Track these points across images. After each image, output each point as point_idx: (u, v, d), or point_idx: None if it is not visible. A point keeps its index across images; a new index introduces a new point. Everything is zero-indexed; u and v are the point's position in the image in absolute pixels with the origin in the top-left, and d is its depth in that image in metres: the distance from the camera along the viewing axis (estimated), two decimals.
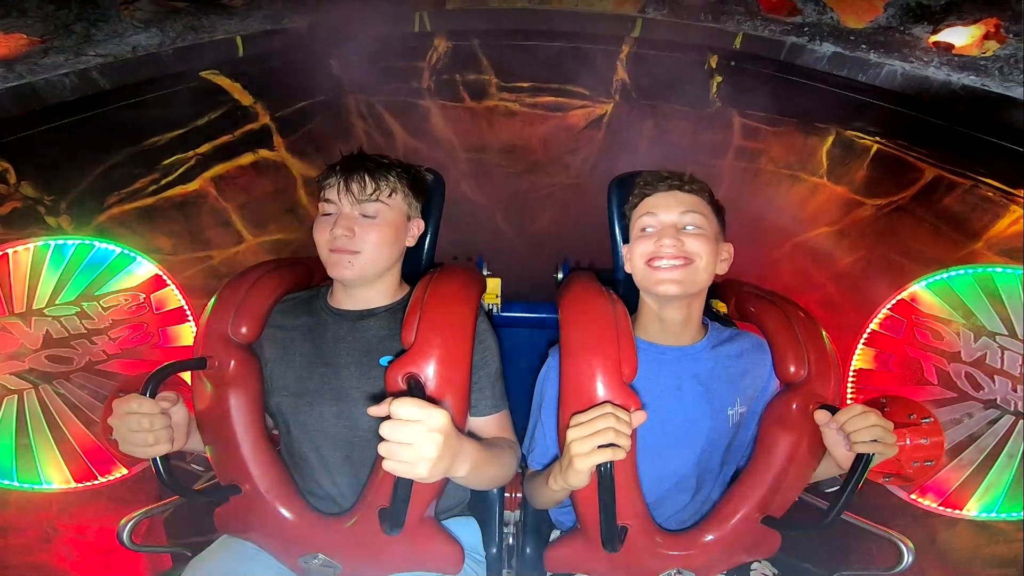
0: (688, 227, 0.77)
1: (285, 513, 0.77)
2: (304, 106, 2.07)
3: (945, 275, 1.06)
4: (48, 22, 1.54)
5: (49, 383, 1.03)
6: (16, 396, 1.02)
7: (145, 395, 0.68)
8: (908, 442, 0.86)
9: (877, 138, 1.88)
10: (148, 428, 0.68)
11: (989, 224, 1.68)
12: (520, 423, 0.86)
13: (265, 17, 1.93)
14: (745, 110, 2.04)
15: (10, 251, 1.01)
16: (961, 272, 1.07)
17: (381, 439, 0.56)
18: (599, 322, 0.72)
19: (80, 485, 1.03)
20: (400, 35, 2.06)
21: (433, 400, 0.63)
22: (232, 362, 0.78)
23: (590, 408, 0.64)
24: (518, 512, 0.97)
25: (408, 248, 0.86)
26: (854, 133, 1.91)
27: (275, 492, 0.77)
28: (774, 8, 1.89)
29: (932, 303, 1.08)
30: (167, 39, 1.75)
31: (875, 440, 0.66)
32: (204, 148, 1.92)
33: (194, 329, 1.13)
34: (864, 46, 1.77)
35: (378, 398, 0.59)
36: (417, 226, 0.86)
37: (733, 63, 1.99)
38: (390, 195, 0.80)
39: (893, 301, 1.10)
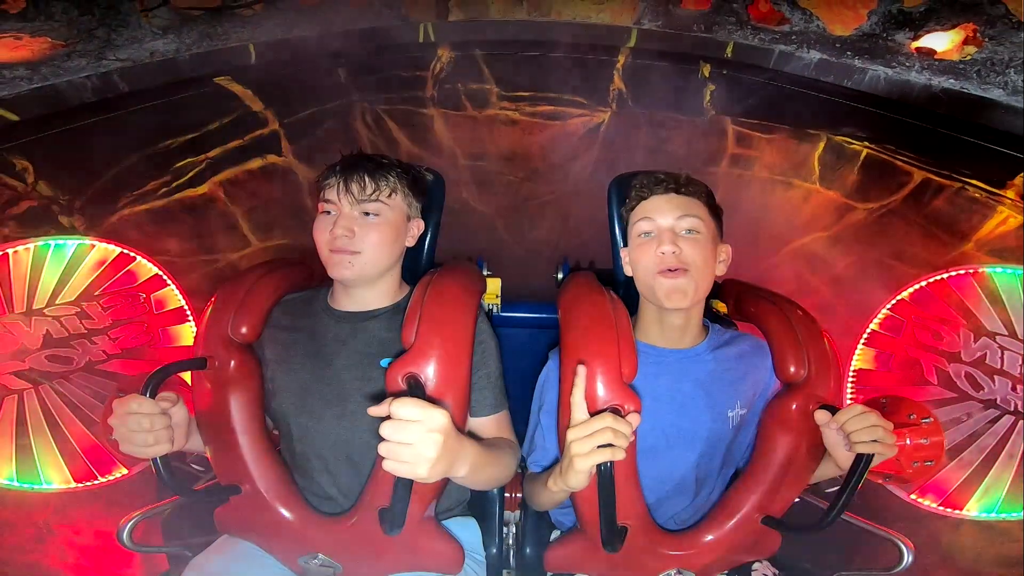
0: (685, 231, 0.75)
1: (285, 513, 0.75)
2: (312, 113, 2.07)
3: (946, 275, 1.04)
4: (72, 27, 1.55)
5: (49, 383, 1.00)
6: (16, 396, 1.00)
7: (145, 395, 0.66)
8: (908, 442, 0.83)
9: (866, 143, 1.88)
10: (148, 428, 0.66)
11: (978, 225, 1.67)
12: (520, 424, 0.84)
13: (276, 26, 1.94)
14: (738, 117, 2.03)
15: (10, 251, 0.99)
16: (961, 272, 1.04)
17: (381, 439, 0.55)
18: (599, 322, 0.70)
19: (80, 485, 1.00)
20: (405, 45, 2.06)
21: (433, 400, 0.62)
22: (232, 362, 0.76)
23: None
24: (518, 512, 0.95)
25: (408, 248, 0.84)
26: (843, 138, 1.91)
27: (275, 492, 0.75)
28: (763, 18, 1.89)
29: (932, 303, 1.06)
30: (183, 45, 1.77)
31: (875, 440, 0.64)
32: (215, 152, 1.91)
33: (194, 329, 1.11)
34: (849, 53, 1.77)
35: (378, 398, 0.58)
36: (417, 226, 0.84)
37: (725, 71, 1.99)
38: (390, 195, 0.78)
39: (893, 301, 1.07)
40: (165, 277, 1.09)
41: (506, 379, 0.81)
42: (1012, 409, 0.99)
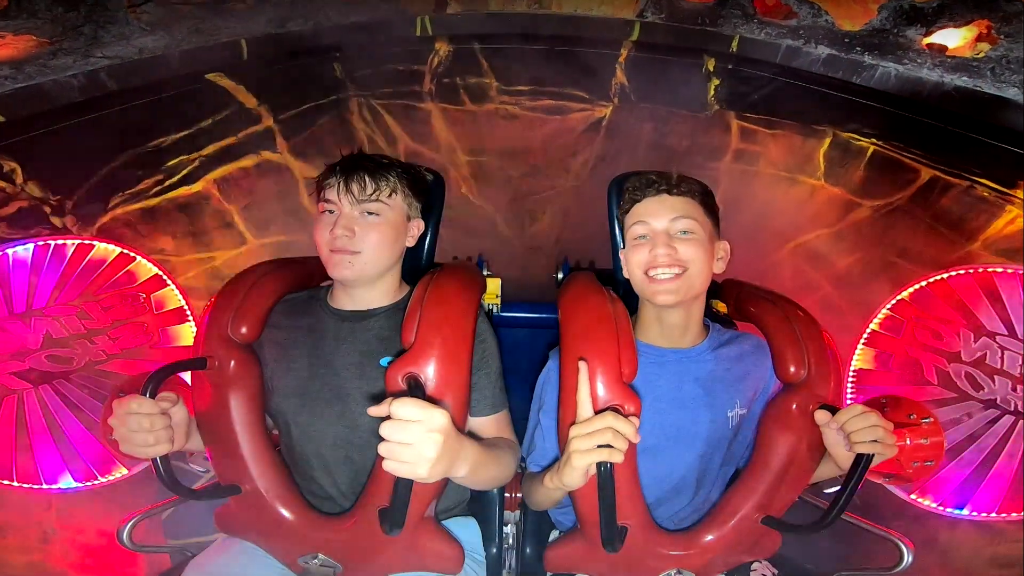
0: (680, 232, 0.76)
1: (285, 513, 0.76)
2: (307, 109, 2.07)
3: (946, 275, 1.05)
4: (57, 24, 1.54)
5: (49, 383, 1.02)
6: (16, 396, 1.01)
7: (145, 395, 0.67)
8: (908, 442, 0.85)
9: (873, 140, 1.88)
10: (148, 428, 0.67)
11: (985, 224, 1.67)
12: (520, 423, 0.86)
13: (269, 21, 1.93)
14: (742, 113, 2.04)
15: (10, 251, 1.00)
16: (962, 272, 1.05)
17: (381, 439, 0.55)
18: (599, 322, 0.71)
19: (80, 485, 1.02)
20: (402, 39, 2.06)
21: (433, 400, 0.63)
22: (232, 362, 0.77)
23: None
24: (518, 512, 0.96)
25: (408, 248, 0.86)
26: (850, 135, 1.91)
27: (275, 492, 0.76)
28: (770, 11, 1.89)
29: (932, 303, 1.07)
30: (173, 41, 1.76)
31: (875, 440, 0.65)
32: (208, 150, 1.92)
33: (194, 329, 1.13)
34: (859, 48, 1.77)
35: (378, 398, 0.59)
36: (417, 226, 0.85)
37: (730, 66, 1.99)
38: (390, 195, 0.79)
39: (893, 301, 1.09)
40: (165, 277, 1.11)
41: (506, 379, 0.83)
42: (1012, 409, 1.01)
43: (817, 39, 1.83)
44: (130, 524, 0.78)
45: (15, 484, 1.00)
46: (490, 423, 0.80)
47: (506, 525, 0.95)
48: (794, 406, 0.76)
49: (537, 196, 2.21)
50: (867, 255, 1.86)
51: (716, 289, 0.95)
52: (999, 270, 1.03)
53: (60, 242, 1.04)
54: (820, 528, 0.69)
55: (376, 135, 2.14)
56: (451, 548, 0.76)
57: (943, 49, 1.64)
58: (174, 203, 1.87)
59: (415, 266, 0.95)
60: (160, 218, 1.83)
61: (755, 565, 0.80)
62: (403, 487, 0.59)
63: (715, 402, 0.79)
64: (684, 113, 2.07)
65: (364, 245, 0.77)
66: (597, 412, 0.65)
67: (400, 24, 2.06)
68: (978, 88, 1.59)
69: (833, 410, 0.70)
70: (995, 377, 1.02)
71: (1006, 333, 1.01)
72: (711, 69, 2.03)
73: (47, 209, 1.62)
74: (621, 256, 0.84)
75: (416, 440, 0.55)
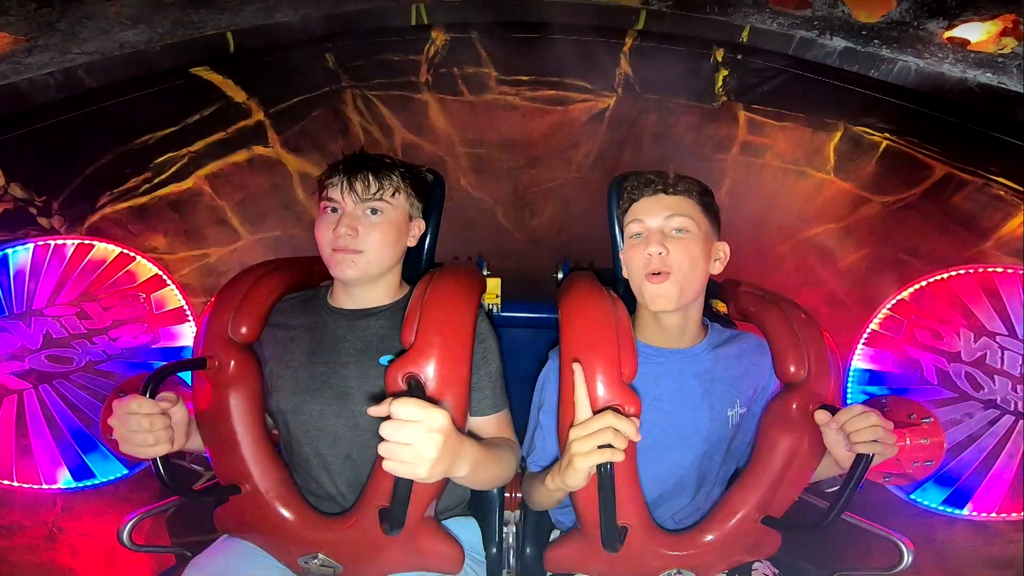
0: (674, 231, 0.78)
1: (285, 513, 0.79)
2: (299, 101, 2.07)
3: (946, 275, 1.08)
4: (31, 20, 1.54)
5: (49, 383, 1.05)
6: (16, 396, 1.04)
7: (145, 395, 0.70)
8: (908, 442, 0.88)
9: (887, 135, 1.88)
10: (148, 428, 0.69)
11: (1000, 223, 1.68)
12: (520, 423, 0.88)
13: (257, 11, 1.94)
14: (751, 104, 2.04)
15: (9, 251, 1.03)
16: (962, 272, 1.08)
17: (381, 439, 0.57)
18: (599, 322, 0.73)
19: (80, 485, 1.05)
20: (397, 28, 2.06)
21: (433, 400, 0.65)
22: (232, 362, 0.80)
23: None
24: (518, 512, 0.98)
25: (408, 248, 0.88)
26: (863, 129, 1.92)
27: (275, 492, 0.79)
28: (782, 1, 1.89)
29: (932, 303, 1.10)
30: (155, 35, 1.76)
31: (875, 440, 0.67)
32: (197, 146, 1.93)
33: (194, 329, 1.15)
34: (876, 41, 1.76)
35: (378, 398, 0.60)
36: (418, 226, 0.88)
37: (739, 57, 2.00)
38: (393, 195, 0.82)
39: (893, 301, 1.12)
40: (165, 277, 1.13)
41: (506, 379, 0.85)
42: (1012, 409, 1.04)
43: (832, 30, 1.82)
44: (130, 524, 0.80)
45: (15, 484, 1.03)
46: (490, 423, 0.82)
47: (506, 525, 0.97)
48: (794, 406, 0.78)
49: (538, 189, 2.22)
50: (876, 251, 1.87)
51: (716, 289, 0.97)
52: (999, 270, 1.06)
53: (60, 242, 1.06)
54: (820, 528, 0.71)
55: (371, 127, 2.15)
56: (451, 548, 0.79)
57: (964, 43, 1.63)
58: (165, 200, 1.88)
59: (415, 266, 0.97)
60: (151, 216, 1.85)
61: (755, 565, 0.82)
62: (403, 487, 0.60)
63: (715, 401, 0.82)
64: (690, 104, 2.08)
65: (367, 244, 0.79)
66: (597, 412, 0.67)
67: (394, 13, 2.06)
68: (1002, 85, 1.58)
69: (833, 410, 0.72)
70: (995, 377, 1.05)
71: (1006, 333, 1.04)
72: (719, 60, 2.03)
73: (33, 210, 1.64)
74: (621, 257, 0.86)
75: (416, 440, 0.57)
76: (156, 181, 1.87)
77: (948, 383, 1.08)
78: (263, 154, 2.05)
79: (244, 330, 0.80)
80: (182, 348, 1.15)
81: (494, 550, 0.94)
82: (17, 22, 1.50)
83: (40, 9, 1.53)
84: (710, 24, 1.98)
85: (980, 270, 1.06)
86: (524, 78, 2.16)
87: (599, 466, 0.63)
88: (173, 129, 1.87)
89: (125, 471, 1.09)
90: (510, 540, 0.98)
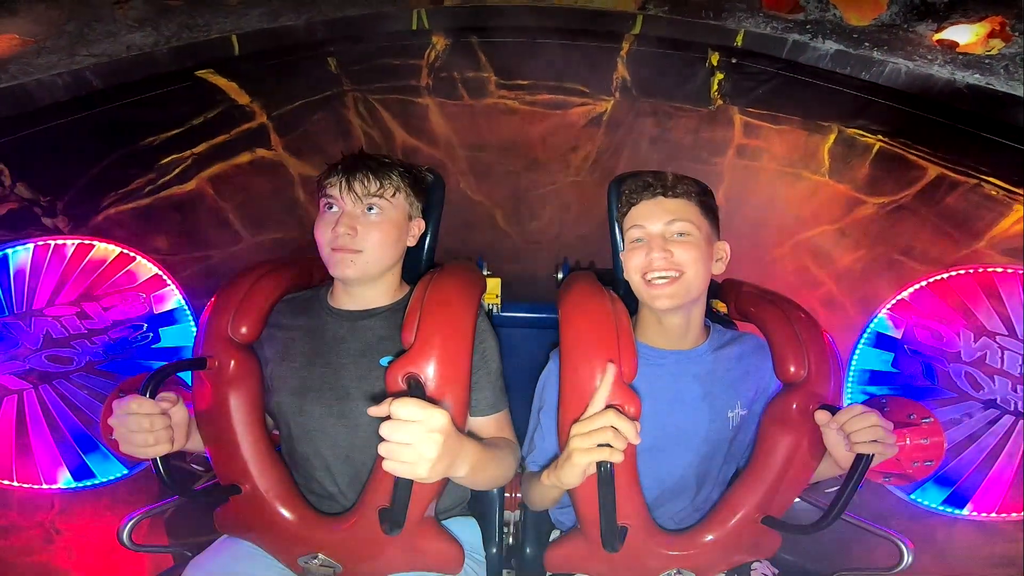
0: (676, 235, 0.77)
1: (285, 513, 0.78)
2: (301, 105, 2.08)
3: (946, 275, 1.07)
4: (39, 22, 1.55)
5: (49, 383, 1.04)
6: (16, 396, 1.03)
7: (145, 395, 0.69)
8: (908, 442, 0.87)
9: (880, 136, 1.89)
10: (148, 428, 0.68)
11: (992, 223, 1.69)
12: (520, 423, 0.87)
13: (261, 15, 1.94)
14: (746, 107, 2.05)
15: (9, 251, 1.02)
16: (962, 272, 1.07)
17: (381, 439, 0.56)
18: (599, 322, 0.73)
19: (80, 485, 1.04)
20: (398, 33, 2.07)
21: (433, 400, 0.64)
22: (232, 362, 0.79)
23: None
24: (518, 512, 0.98)
25: (408, 248, 0.87)
26: (856, 131, 1.93)
27: (275, 492, 0.78)
28: (776, 5, 1.90)
29: (932, 303, 1.09)
30: (162, 38, 1.77)
31: (875, 440, 0.67)
32: (201, 148, 1.93)
33: (194, 329, 1.14)
34: (867, 44, 1.78)
35: (378, 398, 0.60)
36: (418, 226, 0.87)
37: (734, 60, 2.00)
38: (393, 194, 0.81)
39: (893, 301, 1.11)
40: (165, 277, 1.12)
41: (506, 379, 0.84)
42: (1012, 409, 1.03)
43: (825, 34, 1.83)
44: (130, 524, 0.79)
45: (15, 484, 1.02)
46: (490, 423, 0.81)
47: (506, 525, 0.97)
48: (794, 406, 0.78)
49: (537, 192, 2.22)
50: (871, 252, 1.87)
51: (716, 289, 0.97)
52: (999, 270, 1.05)
53: (60, 242, 1.05)
54: (820, 528, 0.70)
55: (372, 130, 2.15)
56: (451, 548, 0.78)
57: (953, 45, 1.65)
58: (168, 202, 1.88)
59: (415, 266, 0.96)
60: (154, 217, 1.85)
61: (755, 565, 0.81)
62: (403, 487, 0.60)
63: (715, 402, 0.81)
64: (687, 108, 2.09)
65: (366, 244, 0.78)
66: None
67: (395, 18, 2.07)
68: (990, 86, 1.59)
69: (833, 410, 0.72)
70: (995, 377, 1.04)
71: (1006, 333, 1.03)
72: (715, 63, 2.04)
73: (38, 211, 1.64)
74: (622, 258, 0.85)
75: (416, 440, 0.56)
76: (160, 183, 1.87)
77: (948, 383, 1.07)
78: (265, 157, 2.06)
79: (244, 330, 0.79)
80: (182, 348, 1.14)
81: (494, 550, 0.93)
82: (25, 24, 1.51)
83: (48, 11, 1.53)
84: (705, 28, 1.99)
85: (980, 270, 1.06)
86: (523, 82, 2.17)
87: (599, 466, 0.62)
88: (178, 131, 1.88)
89: (125, 471, 1.08)
90: (510, 540, 0.97)
